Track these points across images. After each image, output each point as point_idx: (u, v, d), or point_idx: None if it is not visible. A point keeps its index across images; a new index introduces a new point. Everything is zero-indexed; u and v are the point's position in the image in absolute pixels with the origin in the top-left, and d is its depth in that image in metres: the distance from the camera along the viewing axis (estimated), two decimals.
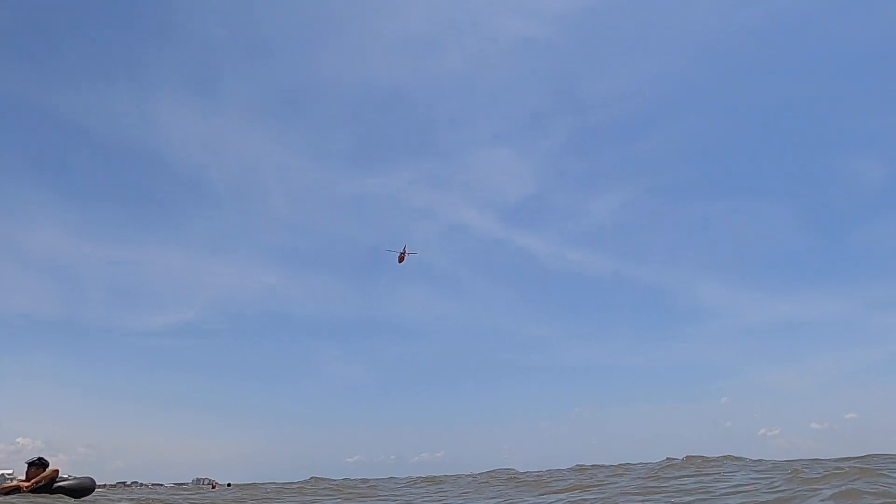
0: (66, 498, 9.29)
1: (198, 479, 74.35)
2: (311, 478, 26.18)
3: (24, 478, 10.10)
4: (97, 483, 11.18)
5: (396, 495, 14.78)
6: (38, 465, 10.24)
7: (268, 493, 16.82)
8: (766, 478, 10.98)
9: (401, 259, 24.16)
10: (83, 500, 10.01)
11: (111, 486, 69.04)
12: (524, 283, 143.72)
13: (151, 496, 15.13)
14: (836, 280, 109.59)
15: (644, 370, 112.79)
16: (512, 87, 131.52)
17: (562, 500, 10.35)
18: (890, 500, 7.10)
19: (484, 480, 18.23)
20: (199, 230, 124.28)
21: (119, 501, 11.52)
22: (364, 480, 26.44)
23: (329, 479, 25.19)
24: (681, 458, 18.50)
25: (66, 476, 10.05)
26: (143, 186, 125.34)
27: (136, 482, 74.27)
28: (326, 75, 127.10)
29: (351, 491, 16.82)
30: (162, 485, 67.60)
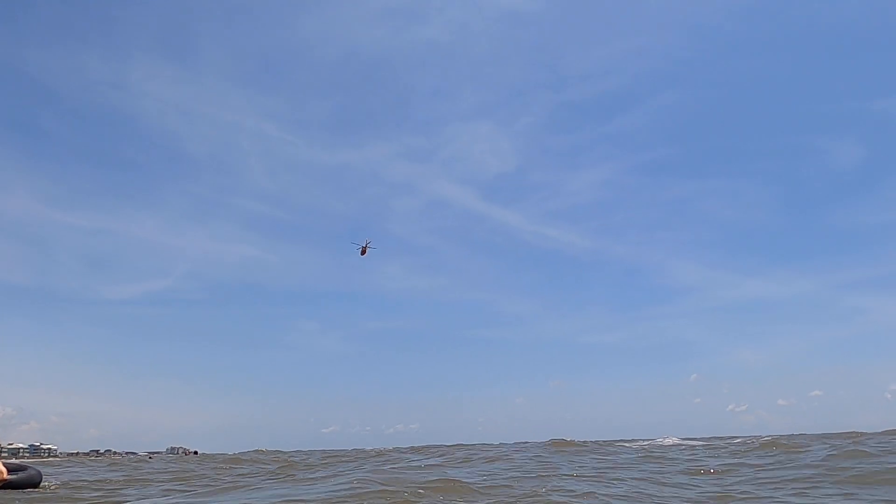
0: (13, 492, 8.43)
1: (172, 448, 74.52)
2: (256, 450, 26.26)
3: None
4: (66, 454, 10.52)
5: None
6: None
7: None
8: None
9: (363, 252, 24.96)
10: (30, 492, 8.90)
11: (84, 454, 68.59)
12: (503, 259, 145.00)
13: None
14: (807, 260, 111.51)
15: (618, 347, 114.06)
16: (495, 60, 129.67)
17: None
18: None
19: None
20: (174, 198, 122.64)
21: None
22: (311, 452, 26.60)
23: (278, 452, 25.53)
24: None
25: (12, 471, 8.77)
26: (117, 152, 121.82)
27: (109, 450, 73.76)
28: (306, 41, 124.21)
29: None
30: (136, 453, 67.75)
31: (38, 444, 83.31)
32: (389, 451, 25.20)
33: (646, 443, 23.84)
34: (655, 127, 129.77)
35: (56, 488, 9.16)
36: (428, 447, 27.16)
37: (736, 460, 11.05)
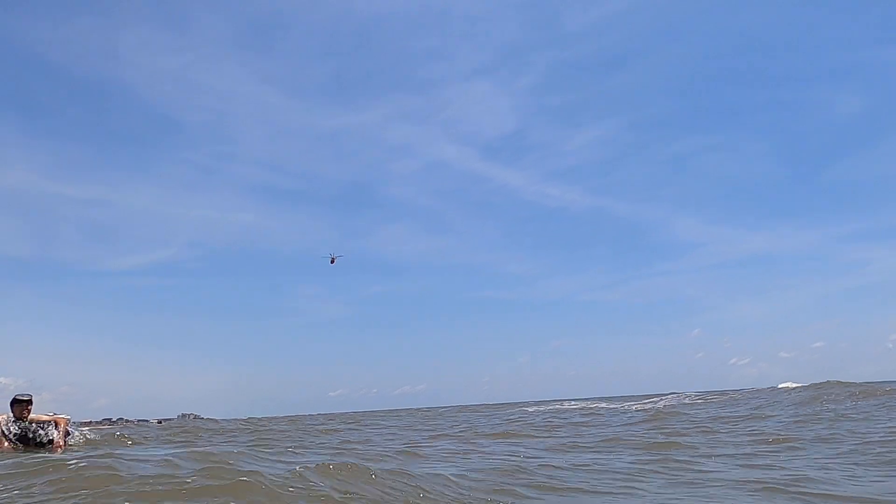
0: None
1: (183, 415, 71.20)
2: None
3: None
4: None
5: None
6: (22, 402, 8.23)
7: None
8: None
9: (332, 261, 26.24)
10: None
11: (97, 423, 63.94)
12: (504, 220, 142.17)
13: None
14: (809, 213, 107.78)
15: (620, 304, 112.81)
16: (491, 17, 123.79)
17: None
18: None
19: None
20: (173, 168, 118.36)
21: None
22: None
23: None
24: None
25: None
26: (114, 123, 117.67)
27: (121, 419, 69.48)
28: (300, 4, 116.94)
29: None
30: (147, 420, 62.62)
31: (51, 413, 78.08)
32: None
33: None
34: (655, 83, 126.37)
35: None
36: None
37: None
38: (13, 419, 8.03)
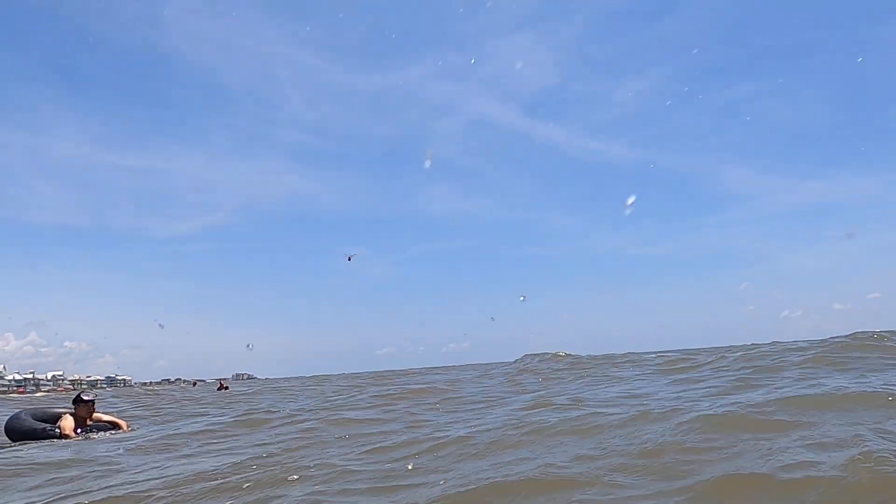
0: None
1: (237, 374, 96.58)
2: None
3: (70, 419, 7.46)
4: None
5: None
6: (87, 403, 7.68)
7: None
8: None
9: (349, 259, 29.54)
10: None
11: (156, 383, 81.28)
12: (547, 176, 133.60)
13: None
14: (866, 159, 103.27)
15: (667, 258, 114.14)
16: None
17: None
18: None
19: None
20: (217, 134, 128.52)
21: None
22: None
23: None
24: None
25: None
26: (158, 91, 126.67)
27: (179, 379, 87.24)
28: None
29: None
30: (204, 380, 78.81)
31: (114, 375, 75.82)
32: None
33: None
34: (702, 28, 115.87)
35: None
36: None
37: None
38: (73, 427, 7.50)
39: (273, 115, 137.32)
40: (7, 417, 7.54)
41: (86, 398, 7.81)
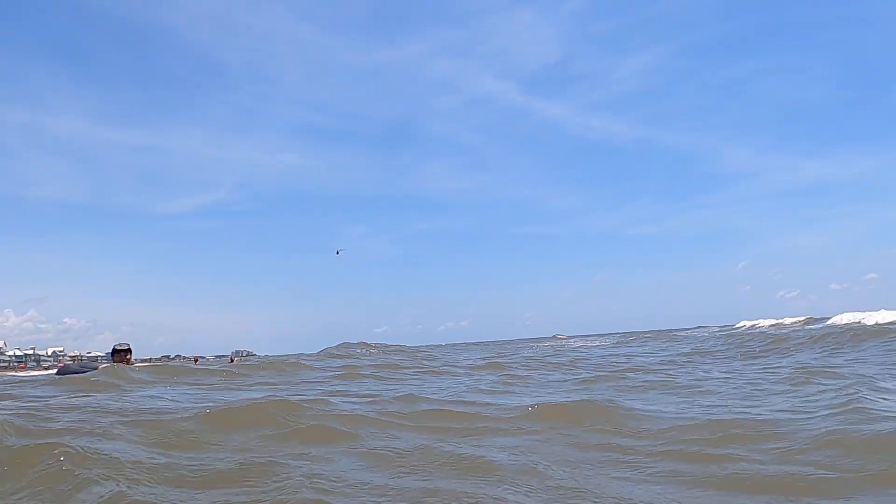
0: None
1: (237, 352, 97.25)
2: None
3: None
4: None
5: None
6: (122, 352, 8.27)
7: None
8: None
9: (337, 253, 28.25)
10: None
11: (156, 359, 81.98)
12: (548, 154, 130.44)
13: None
14: (868, 138, 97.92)
15: (665, 237, 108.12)
16: None
17: None
18: None
19: None
20: (217, 110, 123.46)
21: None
22: None
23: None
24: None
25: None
26: (157, 68, 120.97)
27: (179, 356, 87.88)
28: None
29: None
30: (204, 357, 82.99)
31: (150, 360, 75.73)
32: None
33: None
34: (706, 4, 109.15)
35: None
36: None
37: None
38: None
39: (273, 92, 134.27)
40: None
41: (120, 348, 8.24)
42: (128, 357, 8.35)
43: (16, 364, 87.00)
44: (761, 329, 17.40)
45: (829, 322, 17.59)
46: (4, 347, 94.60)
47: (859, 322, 17.14)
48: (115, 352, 8.37)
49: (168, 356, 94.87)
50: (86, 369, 7.99)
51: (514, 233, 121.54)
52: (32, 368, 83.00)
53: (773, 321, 18.42)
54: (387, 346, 17.81)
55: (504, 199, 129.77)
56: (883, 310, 17.35)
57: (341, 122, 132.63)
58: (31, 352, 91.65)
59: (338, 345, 16.69)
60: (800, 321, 18.21)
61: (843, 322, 17.36)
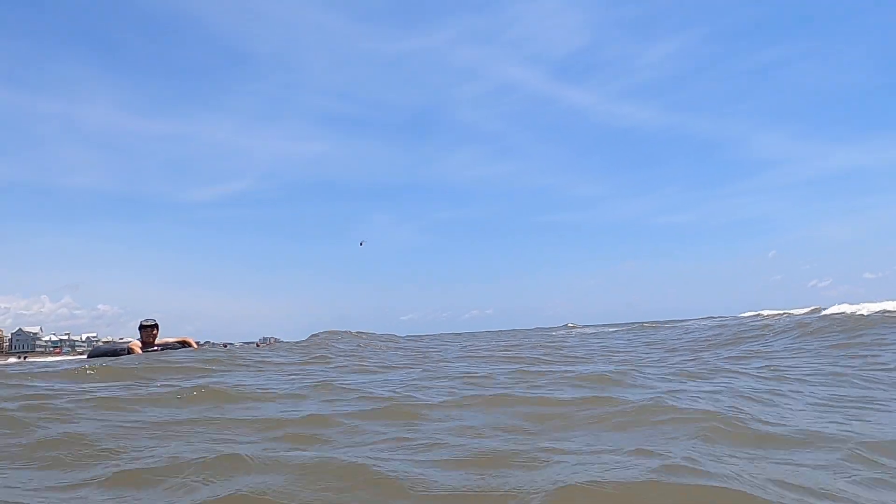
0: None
1: (264, 338, 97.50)
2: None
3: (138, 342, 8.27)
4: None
5: None
6: (147, 327, 8.37)
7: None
8: None
9: (361, 244, 27.74)
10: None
11: (218, 345, 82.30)
12: (574, 141, 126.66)
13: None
14: None
15: (693, 226, 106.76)
16: None
17: None
18: None
19: None
20: (245, 100, 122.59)
21: None
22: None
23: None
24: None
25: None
26: (186, 57, 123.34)
27: (208, 342, 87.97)
28: None
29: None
30: (233, 344, 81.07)
31: (179, 337, 74.84)
32: None
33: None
34: None
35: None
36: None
37: None
38: (141, 349, 8.03)
39: (299, 81, 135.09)
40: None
41: (147, 323, 8.49)
42: (154, 332, 8.50)
43: (52, 349, 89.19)
44: (751, 320, 16.34)
45: (824, 313, 16.62)
46: (41, 333, 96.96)
47: (842, 313, 16.11)
48: (142, 327, 8.51)
49: (198, 342, 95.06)
50: (116, 349, 8.32)
51: (539, 221, 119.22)
52: (67, 353, 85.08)
53: (780, 311, 17.37)
54: (376, 335, 16.94)
55: (529, 187, 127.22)
56: (887, 301, 16.17)
57: (366, 110, 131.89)
58: (65, 337, 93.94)
59: (323, 332, 15.99)
60: (805, 312, 17.13)
61: (829, 313, 16.26)
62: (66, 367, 5.73)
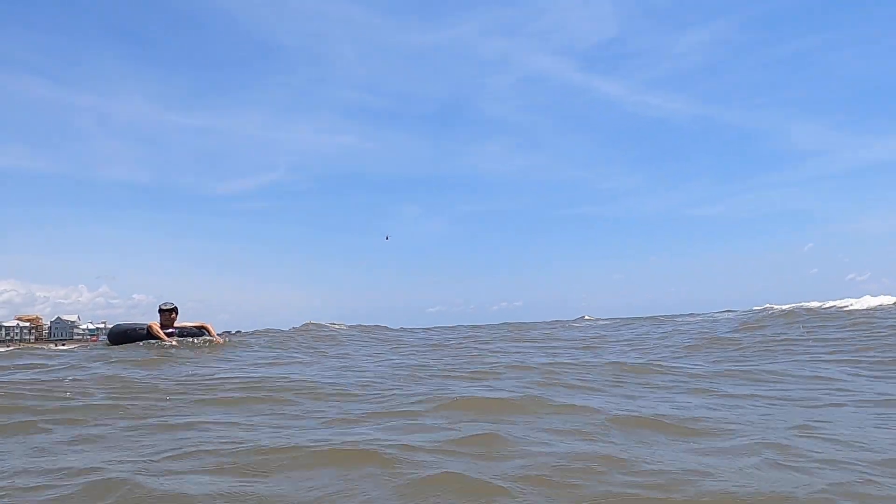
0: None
1: (293, 329, 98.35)
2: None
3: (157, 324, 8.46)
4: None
5: None
6: (166, 311, 8.60)
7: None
8: None
9: (387, 238, 27.78)
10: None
11: (218, 334, 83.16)
12: (603, 133, 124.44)
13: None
14: None
15: (725, 218, 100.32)
16: None
17: None
18: None
19: None
20: (274, 93, 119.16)
21: None
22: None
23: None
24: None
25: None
26: (216, 51, 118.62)
27: (239, 331, 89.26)
28: None
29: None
30: (240, 331, 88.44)
31: (197, 322, 75.05)
32: None
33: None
34: None
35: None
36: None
37: None
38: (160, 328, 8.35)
39: (327, 73, 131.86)
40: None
41: (166, 307, 8.81)
42: (173, 315, 8.74)
43: (89, 336, 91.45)
44: (756, 314, 15.80)
45: (808, 305, 16.34)
46: (79, 321, 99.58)
47: (833, 306, 15.42)
48: (161, 311, 8.74)
49: (229, 331, 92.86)
50: (136, 328, 8.58)
51: (567, 213, 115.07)
52: (104, 342, 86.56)
53: (791, 305, 16.54)
54: (366, 326, 16.42)
55: (557, 179, 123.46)
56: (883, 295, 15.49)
57: (394, 102, 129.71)
58: (102, 325, 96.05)
59: (303, 323, 15.57)
60: (820, 306, 16.43)
61: (826, 307, 15.66)
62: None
